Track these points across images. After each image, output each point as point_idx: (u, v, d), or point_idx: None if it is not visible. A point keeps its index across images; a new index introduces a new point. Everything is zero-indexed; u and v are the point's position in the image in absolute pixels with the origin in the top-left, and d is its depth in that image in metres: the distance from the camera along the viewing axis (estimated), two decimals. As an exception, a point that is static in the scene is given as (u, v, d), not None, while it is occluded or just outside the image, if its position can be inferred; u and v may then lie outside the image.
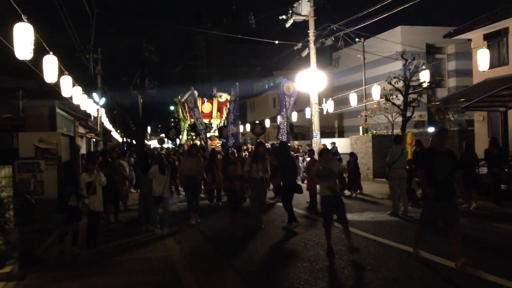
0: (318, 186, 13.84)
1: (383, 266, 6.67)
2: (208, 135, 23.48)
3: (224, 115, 27.23)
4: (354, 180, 15.04)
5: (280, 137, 18.03)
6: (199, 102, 24.66)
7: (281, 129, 17.96)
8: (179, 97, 26.77)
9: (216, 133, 27.02)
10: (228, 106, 25.83)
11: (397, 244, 8.00)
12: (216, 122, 27.32)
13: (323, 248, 7.85)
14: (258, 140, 14.30)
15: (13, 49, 7.77)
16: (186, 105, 26.30)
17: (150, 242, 8.90)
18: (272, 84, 45.35)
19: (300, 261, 7.11)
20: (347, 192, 14.92)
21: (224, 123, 27.59)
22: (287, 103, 18.27)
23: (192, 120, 25.55)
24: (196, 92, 23.53)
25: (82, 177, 8.35)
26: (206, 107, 25.45)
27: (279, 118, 18.72)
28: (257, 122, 22.77)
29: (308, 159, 15.57)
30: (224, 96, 26.98)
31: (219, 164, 15.22)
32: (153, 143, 53.91)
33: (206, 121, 25.12)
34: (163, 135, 28.15)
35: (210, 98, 26.62)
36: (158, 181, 9.69)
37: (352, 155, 15.63)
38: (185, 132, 27.11)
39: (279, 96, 19.12)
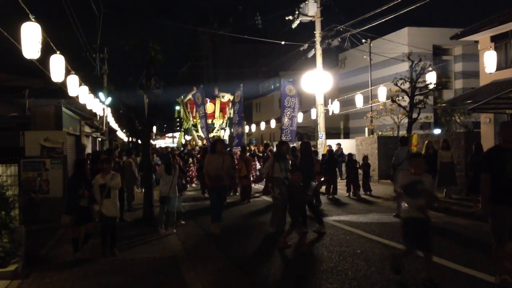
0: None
1: (388, 267, 6.64)
2: (211, 135, 23.49)
3: (227, 115, 27.29)
4: (353, 181, 15.09)
5: (284, 138, 18.20)
6: None
7: (284, 130, 18.12)
8: (182, 97, 26.87)
9: (220, 133, 27.08)
10: (230, 106, 25.92)
11: (402, 245, 7.94)
12: (218, 122, 27.39)
13: (328, 249, 7.84)
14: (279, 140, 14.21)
15: (20, 48, 7.80)
16: (188, 104, 26.36)
17: (154, 242, 8.90)
18: (278, 85, 45.18)
19: (304, 262, 7.09)
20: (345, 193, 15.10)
21: (226, 123, 27.68)
22: (292, 103, 18.35)
23: (194, 120, 25.62)
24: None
25: (96, 179, 7.71)
26: (208, 107, 25.57)
27: (281, 120, 18.94)
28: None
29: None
30: (227, 96, 27.07)
31: None
32: (159, 143, 54.02)
33: (209, 121, 25.20)
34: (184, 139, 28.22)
35: (213, 99, 26.70)
36: (164, 181, 9.77)
37: (349, 156, 15.85)
38: (193, 132, 27.17)
39: (281, 97, 19.28)
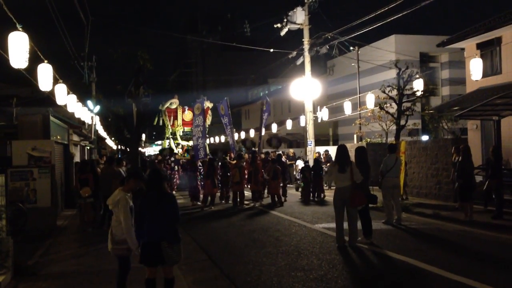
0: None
1: (377, 274, 6.67)
2: (190, 143, 23.34)
3: (207, 122, 27.37)
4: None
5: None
6: (179, 110, 25.02)
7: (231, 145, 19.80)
8: (161, 105, 26.90)
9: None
10: (209, 114, 26.07)
11: (391, 252, 8.00)
12: None
13: (317, 257, 7.85)
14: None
15: (7, 57, 7.75)
16: (166, 113, 26.40)
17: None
18: (267, 92, 45.44)
19: (294, 270, 7.09)
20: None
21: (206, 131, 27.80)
22: (228, 121, 19.98)
23: (173, 128, 25.67)
24: (177, 101, 24.06)
25: (125, 201, 5.61)
26: (186, 115, 25.57)
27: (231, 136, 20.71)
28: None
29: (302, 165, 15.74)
30: (205, 104, 27.14)
31: (215, 171, 15.73)
32: (147, 151, 53.85)
33: (188, 129, 25.24)
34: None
35: (191, 107, 26.71)
36: None
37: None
38: (171, 140, 27.07)
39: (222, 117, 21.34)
